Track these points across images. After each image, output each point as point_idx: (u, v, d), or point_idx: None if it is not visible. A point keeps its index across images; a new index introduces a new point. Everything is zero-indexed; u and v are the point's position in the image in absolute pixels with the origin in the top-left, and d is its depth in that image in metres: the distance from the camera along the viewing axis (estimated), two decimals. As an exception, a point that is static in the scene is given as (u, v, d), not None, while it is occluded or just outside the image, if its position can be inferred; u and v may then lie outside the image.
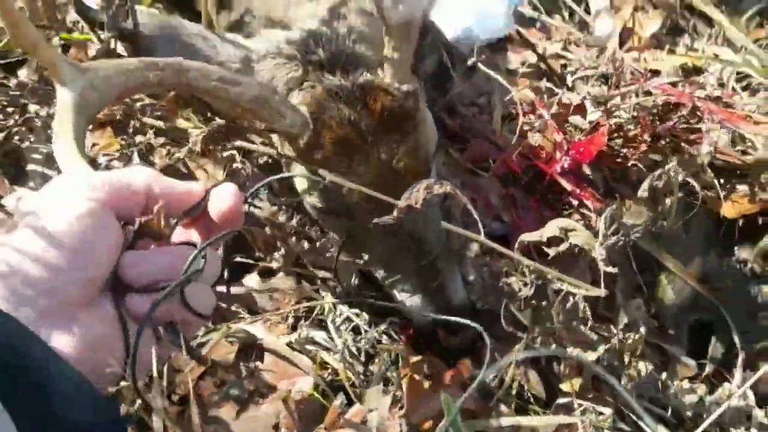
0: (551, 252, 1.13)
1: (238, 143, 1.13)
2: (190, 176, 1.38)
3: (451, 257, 1.11)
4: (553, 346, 1.14)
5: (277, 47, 1.19)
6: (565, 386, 1.19)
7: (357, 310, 1.29)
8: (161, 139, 1.42)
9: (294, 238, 1.26)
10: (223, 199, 0.81)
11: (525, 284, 1.10)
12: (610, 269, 1.04)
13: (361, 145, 1.15)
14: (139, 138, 1.41)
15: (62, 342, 0.67)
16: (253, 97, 1.08)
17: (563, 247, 1.10)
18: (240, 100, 1.09)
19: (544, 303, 1.11)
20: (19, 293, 0.65)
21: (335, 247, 1.27)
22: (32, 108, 1.43)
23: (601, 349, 1.11)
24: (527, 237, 1.11)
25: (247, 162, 1.26)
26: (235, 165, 1.22)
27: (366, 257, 1.29)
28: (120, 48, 1.28)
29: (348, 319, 1.27)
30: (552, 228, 1.09)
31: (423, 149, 1.20)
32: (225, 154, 1.13)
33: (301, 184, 1.23)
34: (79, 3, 1.25)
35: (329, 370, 1.20)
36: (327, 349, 1.22)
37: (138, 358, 0.69)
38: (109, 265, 0.71)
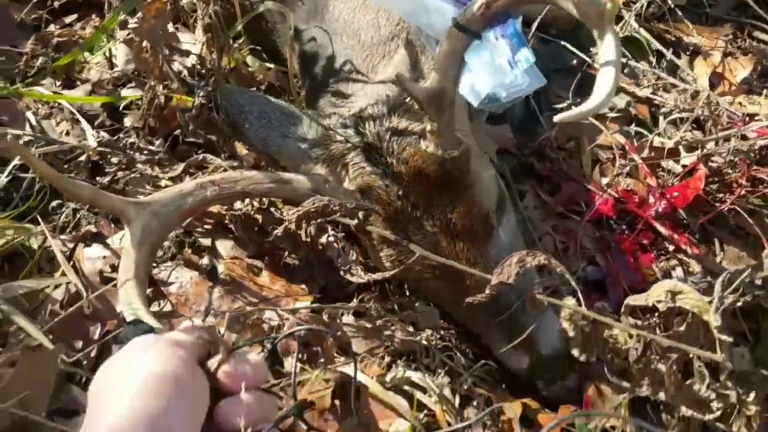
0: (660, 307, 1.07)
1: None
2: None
3: (537, 305, 1.09)
4: (661, 395, 1.08)
5: (333, 131, 1.26)
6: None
7: (451, 353, 1.28)
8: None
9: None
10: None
11: (630, 336, 1.06)
12: (726, 338, 0.98)
13: (413, 215, 1.19)
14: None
15: None
16: (307, 189, 1.21)
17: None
18: (295, 195, 1.23)
19: (651, 356, 1.06)
20: None
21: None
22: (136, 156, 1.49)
23: (716, 406, 1.04)
24: (633, 301, 1.07)
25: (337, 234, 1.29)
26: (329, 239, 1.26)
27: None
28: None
29: (442, 362, 1.26)
30: (658, 291, 1.05)
31: (478, 207, 1.21)
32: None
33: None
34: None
35: (425, 412, 1.19)
36: (423, 390, 1.20)
37: None
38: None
